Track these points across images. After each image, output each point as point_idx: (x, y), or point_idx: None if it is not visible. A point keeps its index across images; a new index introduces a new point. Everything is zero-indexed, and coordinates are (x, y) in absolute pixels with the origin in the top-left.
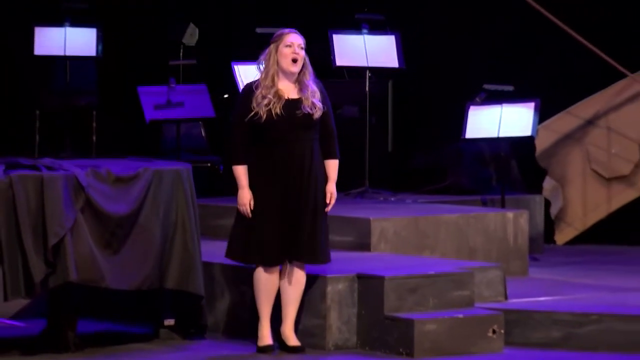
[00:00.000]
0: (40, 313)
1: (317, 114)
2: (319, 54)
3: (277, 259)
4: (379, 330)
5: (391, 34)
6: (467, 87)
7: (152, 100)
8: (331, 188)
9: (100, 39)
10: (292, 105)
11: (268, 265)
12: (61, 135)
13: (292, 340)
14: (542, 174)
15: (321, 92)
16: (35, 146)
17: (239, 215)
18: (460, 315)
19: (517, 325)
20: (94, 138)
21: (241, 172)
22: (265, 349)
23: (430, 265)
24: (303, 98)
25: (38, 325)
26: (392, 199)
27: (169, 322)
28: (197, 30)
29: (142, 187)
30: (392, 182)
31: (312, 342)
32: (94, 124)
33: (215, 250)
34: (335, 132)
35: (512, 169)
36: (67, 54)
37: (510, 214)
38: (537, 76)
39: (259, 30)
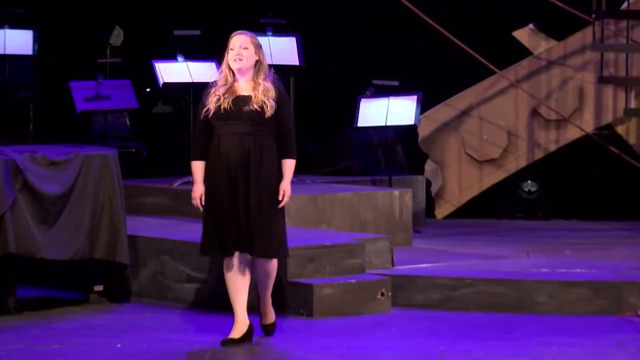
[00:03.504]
0: None
1: (269, 112)
2: None
3: (218, 251)
4: (283, 294)
5: (292, 36)
6: (358, 82)
7: (82, 94)
8: (284, 186)
9: (36, 39)
10: (242, 101)
11: (207, 255)
12: (2, 125)
13: (263, 318)
14: (423, 157)
15: (278, 92)
16: None
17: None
18: (353, 281)
19: (402, 288)
20: (31, 127)
21: (195, 167)
22: (223, 342)
23: (327, 238)
24: (253, 95)
25: None
26: (294, 179)
27: (98, 288)
28: (122, 32)
29: (74, 170)
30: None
31: (225, 304)
32: (31, 114)
33: (138, 225)
34: (291, 132)
35: (397, 154)
36: (7, 52)
37: (396, 192)
38: (419, 73)
39: (175, 32)
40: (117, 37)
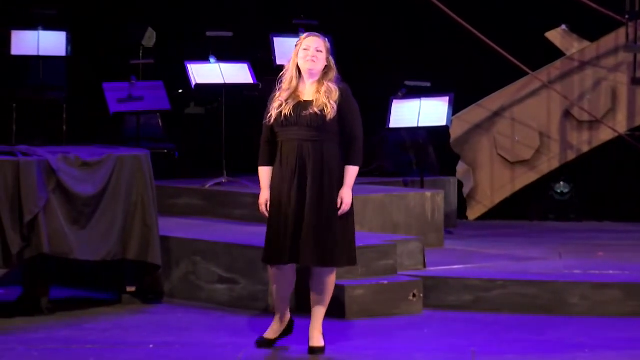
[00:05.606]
0: (17, 281)
1: (329, 114)
2: (263, 54)
3: (278, 259)
4: None
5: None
6: (390, 83)
7: (115, 95)
8: (342, 193)
9: (69, 41)
10: (303, 106)
11: (268, 263)
12: (35, 125)
13: (312, 340)
14: (455, 158)
15: (341, 95)
16: (12, 135)
17: None
18: (385, 282)
19: (434, 290)
20: (64, 127)
21: (261, 173)
22: (258, 342)
23: (359, 239)
24: (315, 99)
25: (15, 292)
26: None
27: (131, 288)
28: (154, 34)
29: (107, 171)
30: None
31: (257, 305)
32: (64, 115)
33: (170, 226)
34: (355, 137)
35: (429, 155)
36: (40, 54)
37: (428, 194)
38: (451, 73)
39: (209, 33)
40: (149, 38)
